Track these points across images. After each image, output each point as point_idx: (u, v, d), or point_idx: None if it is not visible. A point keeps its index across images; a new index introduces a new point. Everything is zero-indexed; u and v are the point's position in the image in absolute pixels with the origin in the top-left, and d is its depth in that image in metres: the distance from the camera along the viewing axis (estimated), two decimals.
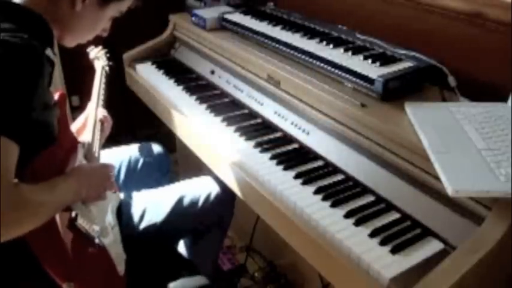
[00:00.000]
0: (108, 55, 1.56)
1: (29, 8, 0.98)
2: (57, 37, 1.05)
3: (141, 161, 1.51)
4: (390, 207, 1.04)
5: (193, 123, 1.46)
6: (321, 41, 1.42)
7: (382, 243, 0.93)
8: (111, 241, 1.13)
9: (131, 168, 1.50)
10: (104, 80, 1.48)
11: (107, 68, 1.52)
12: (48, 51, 1.00)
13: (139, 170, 1.51)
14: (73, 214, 1.00)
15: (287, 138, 1.32)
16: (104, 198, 1.12)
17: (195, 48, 1.81)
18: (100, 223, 1.09)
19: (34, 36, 0.92)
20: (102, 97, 1.42)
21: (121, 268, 1.13)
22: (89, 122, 1.33)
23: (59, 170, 0.99)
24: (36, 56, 0.89)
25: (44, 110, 0.92)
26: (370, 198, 1.07)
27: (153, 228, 1.31)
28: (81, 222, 1.02)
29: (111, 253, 1.10)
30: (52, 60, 1.02)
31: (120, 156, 1.50)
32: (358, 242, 0.94)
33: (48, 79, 1.01)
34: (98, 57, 1.54)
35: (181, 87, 1.65)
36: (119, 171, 1.48)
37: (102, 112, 1.40)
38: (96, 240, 1.06)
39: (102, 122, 1.37)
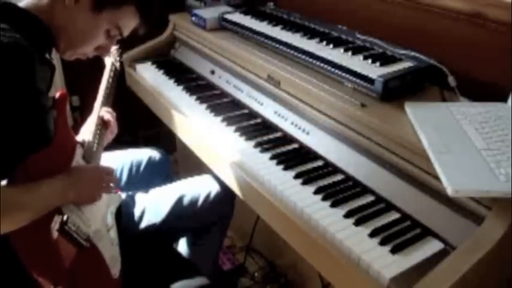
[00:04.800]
0: (120, 51, 1.54)
1: (29, 11, 0.98)
2: (55, 44, 1.04)
3: (142, 165, 1.51)
4: (390, 207, 1.04)
5: (193, 123, 1.46)
6: (321, 41, 1.42)
7: (382, 243, 0.93)
8: (106, 243, 1.11)
9: (132, 172, 1.50)
10: (112, 76, 1.46)
11: (117, 65, 1.50)
12: (48, 55, 1.00)
13: (141, 174, 1.50)
14: (64, 217, 0.98)
15: (287, 138, 1.32)
16: (95, 201, 1.10)
17: (195, 48, 1.81)
18: (94, 225, 1.08)
19: (30, 38, 0.92)
20: (109, 94, 1.40)
21: (115, 271, 1.11)
22: (92, 120, 1.32)
23: (55, 171, 0.99)
24: (23, 55, 0.88)
25: (36, 111, 0.90)
26: (370, 198, 1.07)
27: (152, 228, 1.31)
28: (71, 225, 0.99)
29: (105, 256, 1.08)
30: (52, 64, 1.02)
31: (122, 160, 1.49)
32: (358, 241, 0.94)
33: (48, 82, 1.00)
34: (109, 53, 1.52)
35: (181, 87, 1.65)
36: (120, 174, 1.48)
37: (109, 112, 1.39)
38: (87, 243, 1.03)
39: (106, 123, 1.36)
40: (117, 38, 1.11)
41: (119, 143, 1.49)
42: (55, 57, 1.08)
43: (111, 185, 1.19)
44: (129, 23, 1.09)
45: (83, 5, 1.01)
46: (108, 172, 1.16)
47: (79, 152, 1.11)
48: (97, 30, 1.05)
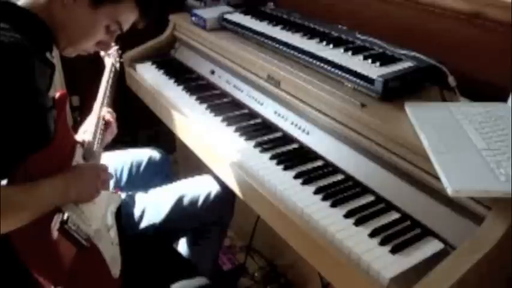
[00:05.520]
0: (120, 51, 1.54)
1: (29, 10, 0.98)
2: (55, 41, 1.04)
3: (142, 165, 1.51)
4: (390, 207, 1.04)
5: (193, 123, 1.46)
6: (321, 41, 1.42)
7: (382, 243, 0.93)
8: (107, 243, 1.11)
9: (132, 172, 1.50)
10: (112, 77, 1.46)
11: (117, 65, 1.51)
12: (48, 54, 1.00)
13: (141, 174, 1.50)
14: (65, 216, 0.98)
15: (287, 138, 1.32)
16: (94, 198, 1.10)
17: (195, 48, 1.81)
18: (94, 225, 1.07)
19: (30, 37, 0.92)
20: (108, 95, 1.40)
21: (116, 271, 1.11)
22: (91, 120, 1.32)
23: (55, 171, 0.98)
24: (23, 55, 0.88)
25: (36, 111, 0.91)
26: (370, 198, 1.07)
27: (152, 228, 1.31)
28: (72, 224, 0.99)
29: (105, 256, 1.08)
30: (52, 63, 1.02)
31: (122, 160, 1.50)
32: (358, 242, 0.94)
33: (48, 82, 1.00)
34: (109, 54, 1.52)
35: (181, 87, 1.65)
36: (120, 174, 1.48)
37: (109, 112, 1.39)
38: (88, 243, 1.03)
39: (107, 123, 1.36)
40: (117, 33, 1.11)
41: (119, 143, 1.49)
42: (55, 56, 1.08)
43: (110, 182, 1.19)
44: (129, 17, 1.09)
45: (82, 2, 1.01)
46: (104, 169, 1.16)
47: (79, 151, 1.11)
48: (96, 26, 1.05)
